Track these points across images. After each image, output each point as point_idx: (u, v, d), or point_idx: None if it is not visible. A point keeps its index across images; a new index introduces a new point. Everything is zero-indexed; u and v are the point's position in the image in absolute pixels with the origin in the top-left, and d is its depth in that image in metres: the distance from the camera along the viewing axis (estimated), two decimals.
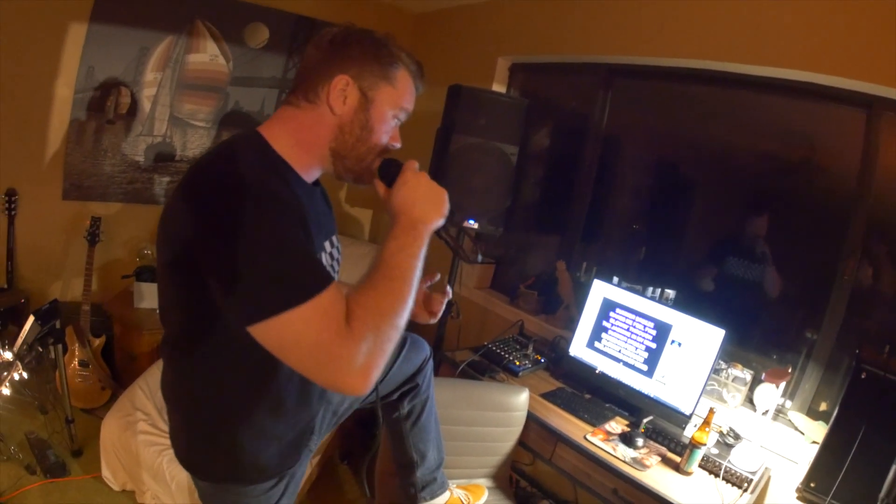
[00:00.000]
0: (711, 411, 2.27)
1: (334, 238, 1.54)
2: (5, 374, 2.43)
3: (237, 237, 1.05)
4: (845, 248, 2.54)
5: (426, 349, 2.09)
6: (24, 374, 2.51)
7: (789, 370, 2.59)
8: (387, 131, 1.35)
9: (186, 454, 1.45)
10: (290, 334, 1.05)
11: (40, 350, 2.71)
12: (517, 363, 2.86)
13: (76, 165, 3.53)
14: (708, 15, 2.74)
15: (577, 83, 3.71)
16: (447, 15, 4.24)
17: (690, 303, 2.83)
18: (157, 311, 1.42)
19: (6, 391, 2.44)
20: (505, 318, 3.53)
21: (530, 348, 3.03)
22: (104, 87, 3.49)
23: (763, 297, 2.95)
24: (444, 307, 1.65)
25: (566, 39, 3.40)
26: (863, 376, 2.03)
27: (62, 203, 3.54)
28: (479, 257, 1.57)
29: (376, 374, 1.09)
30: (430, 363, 2.10)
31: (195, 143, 3.93)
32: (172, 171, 3.89)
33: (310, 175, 1.36)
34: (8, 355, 2.48)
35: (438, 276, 1.66)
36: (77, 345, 3.24)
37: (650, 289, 2.91)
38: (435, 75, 3.61)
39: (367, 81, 1.28)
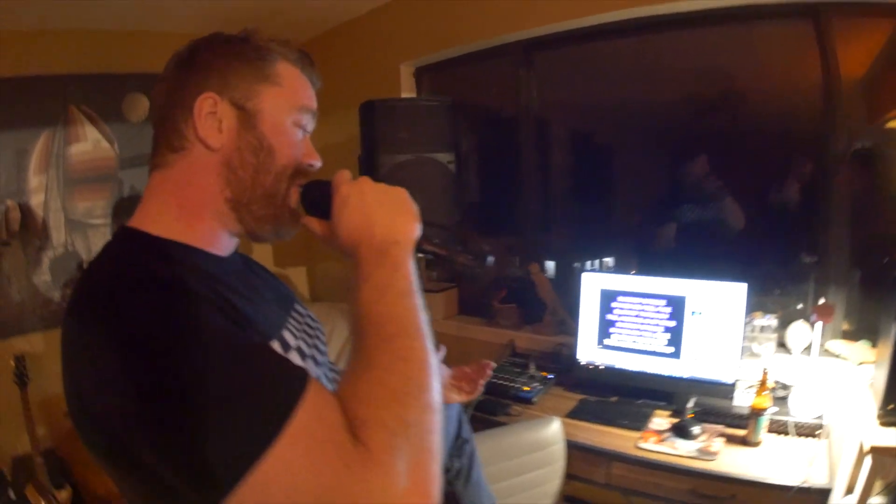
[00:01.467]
0: (765, 372, 2.11)
1: (298, 306, 1.15)
2: None
3: (144, 365, 0.69)
4: (830, 159, 2.44)
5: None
6: None
7: (828, 302, 2.46)
8: (291, 145, 0.97)
9: None
10: (275, 492, 0.65)
11: None
12: (526, 388, 2.62)
13: None
14: None
15: (494, 69, 3.49)
16: (336, 35, 3.99)
17: (660, 266, 2.76)
18: None
19: None
20: (488, 342, 3.29)
21: (532, 367, 2.79)
22: None
23: (735, 235, 2.85)
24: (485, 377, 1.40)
25: (471, 25, 3.19)
26: None
27: None
28: (490, 258, 1.09)
29: (434, 486, 0.72)
30: (463, 411, 1.80)
31: (99, 243, 3.57)
32: None
33: (220, 247, 0.98)
34: None
35: (444, 350, 1.39)
36: (43, 503, 2.89)
37: (588, 262, 2.80)
38: (339, 99, 3.32)
39: (239, 91, 0.93)
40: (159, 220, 0.91)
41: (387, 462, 0.67)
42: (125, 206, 3.66)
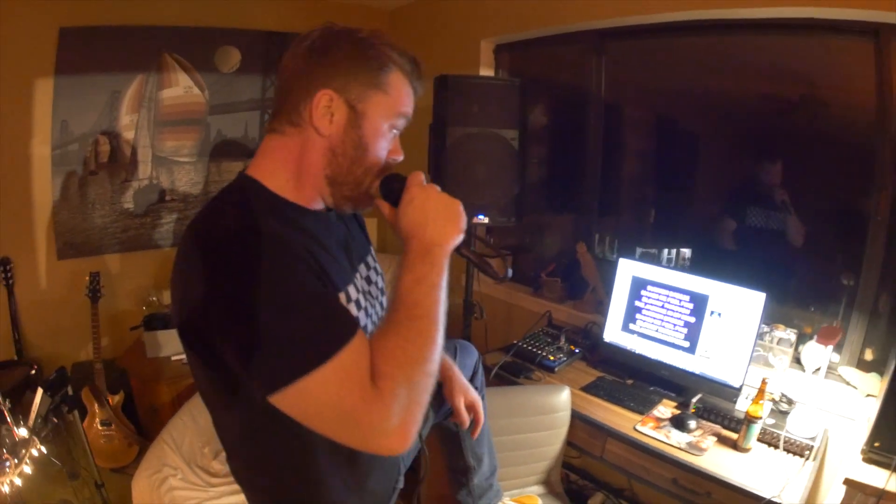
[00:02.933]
0: (764, 382, 2.17)
1: (370, 258, 1.42)
2: (24, 451, 2.35)
3: (238, 298, 0.95)
4: (874, 183, 2.42)
5: (475, 352, 2.01)
6: (43, 449, 2.45)
7: (838, 326, 2.48)
8: (384, 146, 1.19)
9: None
10: (310, 403, 0.96)
11: (56, 421, 2.62)
12: (552, 358, 2.77)
13: (66, 223, 3.44)
14: None
15: (568, 54, 3.54)
16: (423, 4, 4.08)
17: (712, 263, 2.78)
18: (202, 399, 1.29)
19: (28, 469, 2.37)
20: (531, 311, 3.42)
21: (562, 339, 2.93)
22: (81, 138, 3.40)
23: (790, 248, 2.84)
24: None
25: (551, 10, 3.23)
26: None
27: (58, 264, 3.45)
28: (510, 272, 1.42)
29: (415, 429, 1.00)
30: (481, 364, 2.03)
31: (183, 179, 3.82)
32: (164, 212, 3.79)
33: (315, 203, 1.21)
34: (23, 432, 2.40)
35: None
36: (96, 405, 3.17)
37: (665, 251, 2.84)
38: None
39: (354, 93, 1.12)
40: (274, 177, 1.15)
41: (389, 405, 0.95)
42: (212, 147, 3.86)
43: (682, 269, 2.69)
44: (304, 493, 1.28)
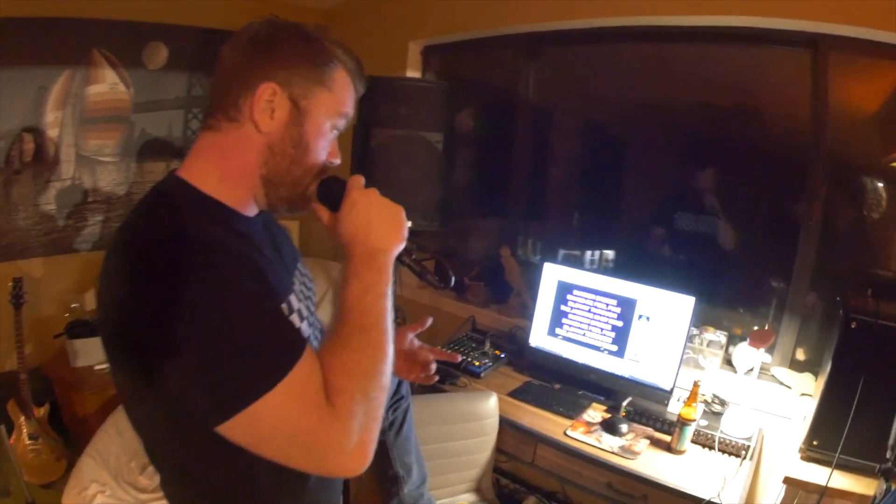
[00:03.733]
0: (696, 384, 2.13)
1: (300, 266, 1.31)
2: None
3: (173, 314, 0.84)
4: (807, 191, 2.45)
5: None
6: None
7: (769, 329, 2.48)
8: (324, 147, 1.11)
9: None
10: (262, 429, 0.87)
11: None
12: (477, 363, 2.68)
13: None
14: None
15: (499, 57, 3.52)
16: (354, 5, 4.00)
17: (641, 267, 2.79)
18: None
19: None
20: (455, 315, 3.34)
21: (487, 344, 2.85)
22: (7, 135, 3.24)
23: (721, 251, 2.85)
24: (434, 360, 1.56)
25: (481, 13, 3.19)
26: (853, 326, 1.90)
27: None
28: (453, 279, 1.29)
29: (373, 447, 0.95)
30: None
31: (105, 179, 3.66)
32: (87, 213, 3.62)
33: (250, 209, 1.12)
34: None
35: (430, 321, 1.54)
36: (23, 418, 3.01)
37: (588, 253, 2.83)
38: None
39: (298, 88, 1.04)
40: (206, 178, 1.04)
41: (346, 422, 0.89)
42: (135, 146, 3.73)
43: (607, 272, 2.67)
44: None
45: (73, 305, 3.46)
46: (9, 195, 3.28)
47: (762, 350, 2.37)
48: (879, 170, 2.42)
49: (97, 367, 3.18)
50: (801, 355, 2.53)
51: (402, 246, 1.08)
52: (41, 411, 3.10)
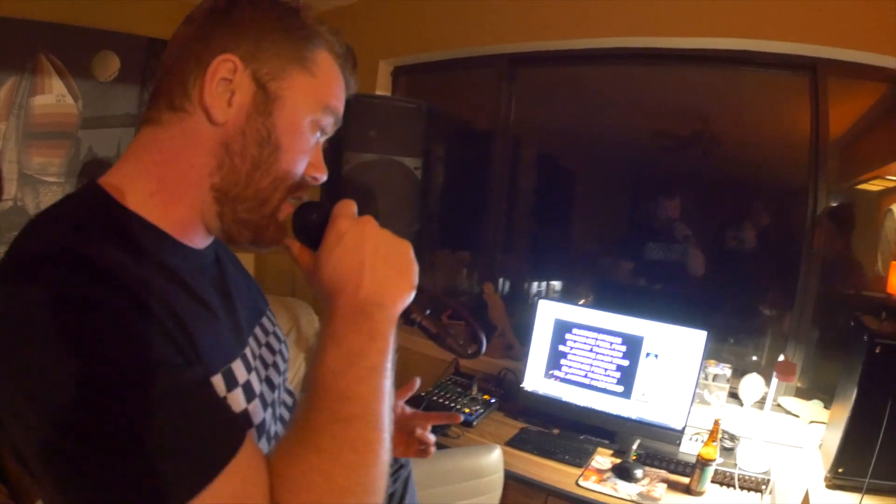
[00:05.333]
0: (717, 422, 2.03)
1: (265, 321, 1.00)
2: None
3: (39, 375, 0.57)
4: (808, 218, 2.43)
5: None
6: None
7: (790, 359, 2.43)
8: (302, 150, 0.82)
9: None
10: None
11: None
12: (467, 410, 2.50)
13: None
14: None
15: (474, 79, 3.42)
16: (320, 20, 3.85)
17: (612, 298, 2.77)
18: None
19: None
20: (434, 358, 3.12)
21: (475, 389, 2.68)
22: None
23: (716, 282, 2.84)
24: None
25: (456, 32, 3.11)
26: (878, 350, 1.83)
27: None
28: (484, 343, 0.97)
29: None
30: None
31: (49, 201, 3.31)
32: None
33: (194, 238, 0.82)
34: None
35: (419, 382, 1.22)
36: None
37: (534, 283, 2.83)
38: None
39: (267, 65, 0.77)
40: (133, 188, 0.76)
41: None
42: (81, 166, 3.50)
43: (611, 309, 2.52)
44: None
45: None
46: None
47: (774, 381, 2.30)
48: (843, 192, 2.45)
49: None
50: (798, 383, 2.47)
51: (409, 299, 0.80)
52: None
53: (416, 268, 0.81)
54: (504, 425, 2.49)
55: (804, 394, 2.44)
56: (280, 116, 0.78)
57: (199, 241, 0.83)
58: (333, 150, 2.56)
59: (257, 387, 0.85)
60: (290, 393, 1.06)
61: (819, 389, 2.40)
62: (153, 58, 3.60)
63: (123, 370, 0.58)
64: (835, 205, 2.43)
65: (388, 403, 0.71)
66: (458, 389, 2.71)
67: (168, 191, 0.77)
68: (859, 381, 1.87)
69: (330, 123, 0.86)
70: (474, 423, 2.44)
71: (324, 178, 0.89)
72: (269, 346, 0.97)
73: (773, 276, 2.64)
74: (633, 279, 2.99)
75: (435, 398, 2.60)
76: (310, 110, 0.81)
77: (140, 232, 0.73)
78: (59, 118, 3.35)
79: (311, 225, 0.81)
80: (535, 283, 3.08)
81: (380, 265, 0.76)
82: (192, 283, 0.77)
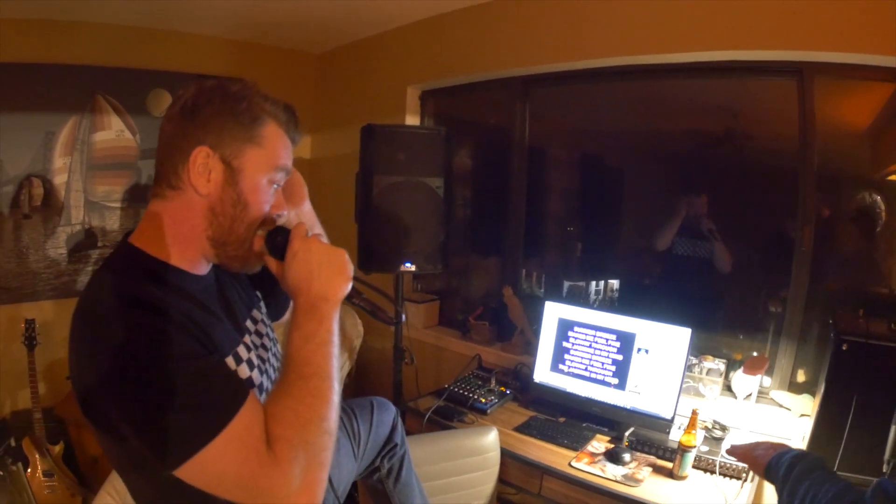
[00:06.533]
0: (695, 412, 2.17)
1: (256, 311, 1.36)
2: None
3: (123, 376, 0.93)
4: (799, 215, 2.50)
5: (392, 408, 1.99)
6: None
7: (766, 356, 2.54)
8: (265, 201, 1.15)
9: None
10: (209, 474, 0.94)
11: (0, 473, 2.62)
12: (483, 400, 2.72)
13: (0, 267, 3.35)
14: (623, 11, 2.70)
15: (493, 99, 3.61)
16: (349, 51, 4.10)
17: (639, 297, 2.84)
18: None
19: None
20: (460, 354, 3.39)
21: (493, 382, 2.89)
22: (15, 179, 3.34)
23: (717, 278, 2.91)
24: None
25: (477, 58, 3.31)
26: (844, 348, 1.96)
27: None
28: (403, 316, 1.32)
29: (320, 488, 1.01)
30: (399, 418, 2.00)
31: (114, 225, 3.75)
32: (96, 258, 3.71)
33: (200, 268, 1.17)
34: None
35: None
36: (37, 455, 3.05)
37: (593, 284, 2.82)
38: (345, 115, 3.50)
39: (228, 149, 1.08)
40: (157, 243, 1.10)
41: (286, 468, 0.95)
42: (143, 193, 3.79)
43: (609, 307, 2.70)
44: None
45: None
46: (19, 239, 3.39)
47: (759, 376, 2.41)
48: (875, 184, 2.47)
49: None
50: (801, 377, 2.56)
51: (346, 290, 1.12)
52: (56, 449, 3.16)
53: (350, 266, 1.14)
54: (516, 413, 2.69)
55: (805, 388, 2.52)
56: (243, 182, 1.10)
57: (203, 269, 1.18)
58: (364, 174, 2.81)
59: (255, 360, 1.22)
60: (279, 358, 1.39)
61: (817, 385, 2.40)
62: None
63: (171, 361, 0.94)
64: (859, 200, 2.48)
65: (335, 363, 1.06)
66: (479, 382, 2.92)
67: (179, 242, 1.11)
68: (826, 376, 2.00)
69: (282, 176, 1.17)
70: (488, 411, 2.65)
71: (285, 213, 1.22)
72: (258, 331, 1.32)
73: (774, 273, 2.70)
74: (662, 274, 3.11)
75: (456, 388, 2.82)
76: (264, 173, 1.13)
77: (165, 271, 1.09)
78: (119, 151, 3.65)
79: (277, 244, 1.13)
80: (592, 282, 3.19)
81: (323, 270, 1.09)
82: (202, 299, 1.13)
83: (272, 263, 1.15)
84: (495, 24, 3.18)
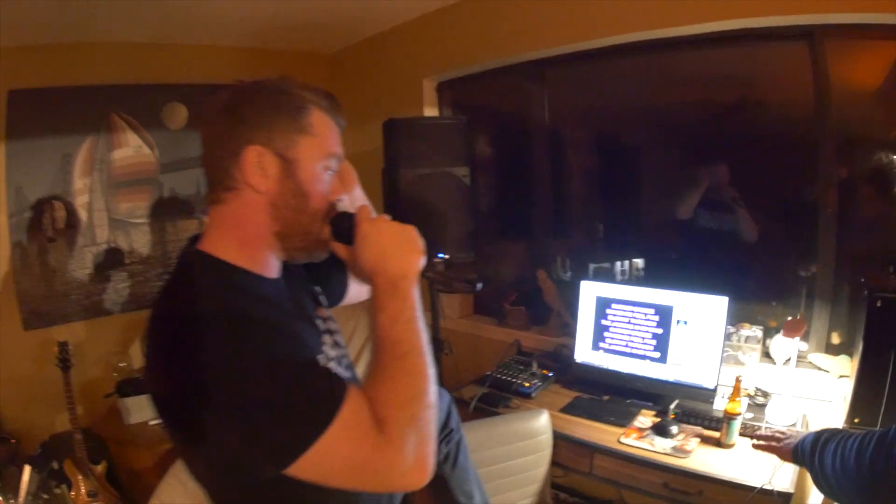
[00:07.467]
0: (738, 379, 2.21)
1: (321, 308, 1.38)
2: None
3: (228, 383, 0.93)
4: (819, 178, 2.52)
5: (446, 394, 1.99)
6: None
7: (800, 317, 2.56)
8: (324, 188, 1.15)
9: None
10: (325, 466, 0.96)
11: (45, 497, 2.65)
12: (527, 384, 2.77)
13: (29, 292, 3.38)
14: None
15: (510, 85, 3.65)
16: (362, 48, 4.11)
17: (667, 272, 2.82)
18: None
19: None
20: (499, 341, 3.43)
21: (534, 365, 2.94)
22: (37, 205, 3.36)
23: (745, 248, 2.93)
24: None
25: (489, 45, 3.32)
26: (878, 304, 1.99)
27: (25, 334, 3.37)
28: (479, 284, 1.36)
29: (431, 460, 1.02)
30: (453, 404, 2.01)
31: (141, 241, 3.76)
32: (125, 275, 3.73)
33: (272, 270, 1.18)
34: None
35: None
36: (80, 476, 3.07)
37: (618, 264, 2.87)
38: (363, 112, 3.52)
39: (281, 142, 1.08)
40: (226, 248, 1.10)
41: (399, 446, 0.97)
42: (165, 207, 3.82)
43: (641, 282, 2.73)
44: None
45: (120, 364, 3.57)
46: (45, 263, 3.41)
47: (797, 339, 2.46)
48: (890, 145, 2.48)
49: (151, 423, 3.27)
50: (836, 339, 2.58)
51: (422, 264, 1.12)
52: (99, 469, 3.18)
53: (421, 241, 1.14)
54: (560, 395, 2.73)
55: (841, 349, 2.53)
56: (300, 173, 1.10)
57: (276, 272, 1.19)
58: (390, 168, 2.84)
59: (332, 354, 1.26)
60: (346, 354, 1.43)
61: (853, 345, 2.43)
62: None
63: (273, 363, 0.96)
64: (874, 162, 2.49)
65: (424, 337, 1.08)
66: (520, 367, 2.96)
67: (248, 244, 1.12)
68: (864, 336, 2.03)
69: (335, 162, 1.17)
70: (533, 395, 2.71)
71: (345, 197, 1.25)
72: (328, 329, 1.34)
73: (802, 237, 2.71)
74: (687, 244, 3.12)
75: (498, 375, 2.87)
76: (318, 160, 1.12)
77: (244, 278, 1.11)
78: (139, 167, 3.66)
79: (344, 229, 1.15)
80: (619, 263, 3.18)
81: (396, 248, 1.10)
82: (282, 302, 1.16)
83: (341, 249, 1.17)
84: (505, 9, 3.19)
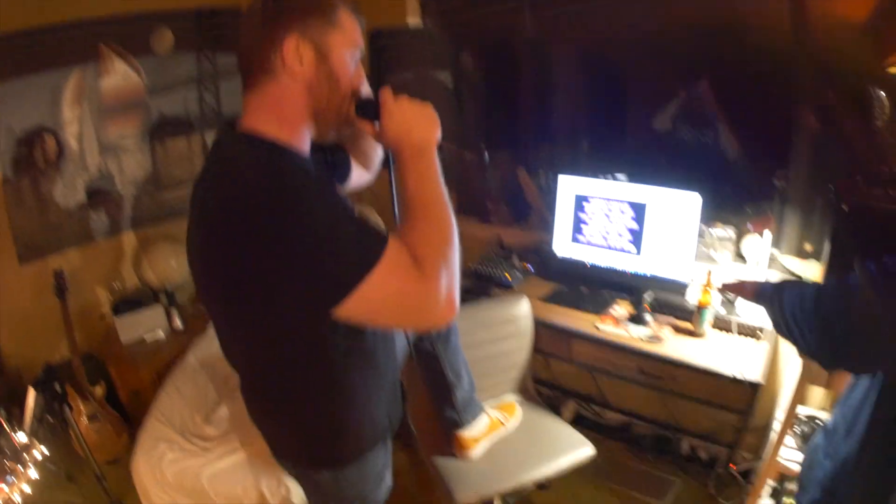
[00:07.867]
0: (709, 273, 2.32)
1: (338, 186, 1.53)
2: (26, 456, 2.36)
3: (292, 227, 1.05)
4: (797, 93, 2.57)
5: None
6: (45, 451, 2.45)
7: (770, 216, 2.66)
8: (350, 74, 1.28)
9: (310, 455, 1.52)
10: (376, 299, 1.08)
11: (51, 420, 2.69)
12: (508, 276, 2.87)
13: (23, 226, 3.33)
14: None
15: None
16: None
17: (648, 178, 2.86)
18: (225, 355, 1.45)
19: (34, 474, 2.36)
20: (482, 238, 3.47)
21: (515, 259, 3.03)
22: (27, 139, 3.28)
23: (723, 156, 2.97)
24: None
25: None
26: (845, 208, 2.08)
27: (21, 268, 3.34)
28: (487, 155, 1.44)
29: (458, 297, 1.15)
30: None
31: (131, 165, 3.73)
32: (117, 199, 3.71)
33: (306, 147, 1.30)
34: (22, 436, 2.41)
35: None
36: (80, 400, 3.13)
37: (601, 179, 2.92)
38: None
39: (315, 33, 1.21)
40: (267, 127, 1.21)
41: (436, 280, 1.10)
42: (154, 129, 3.80)
43: (616, 178, 2.78)
44: (332, 416, 1.45)
45: (114, 285, 3.62)
46: (38, 195, 3.37)
47: (768, 237, 2.56)
48: (877, 77, 2.45)
49: (147, 338, 3.45)
50: (808, 248, 2.63)
51: (439, 136, 1.26)
52: (98, 391, 3.25)
53: (436, 114, 1.28)
54: (540, 287, 2.84)
55: (812, 257, 2.59)
56: (333, 61, 1.22)
57: (307, 150, 1.30)
58: (376, 77, 2.88)
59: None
60: None
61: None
62: (202, 25, 3.79)
63: (333, 209, 1.09)
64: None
65: (445, 191, 1.22)
66: (501, 261, 3.04)
67: (288, 123, 1.23)
68: (830, 237, 2.16)
69: (359, 53, 1.29)
70: (514, 286, 2.81)
71: (365, 83, 1.33)
72: None
73: (773, 149, 2.77)
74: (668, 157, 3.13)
75: (479, 268, 2.96)
76: (347, 49, 1.25)
77: (284, 150, 1.22)
78: (127, 92, 3.58)
79: (370, 109, 1.27)
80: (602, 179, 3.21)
81: (418, 122, 1.24)
82: (316, 171, 1.27)
83: (367, 126, 1.30)
84: None
